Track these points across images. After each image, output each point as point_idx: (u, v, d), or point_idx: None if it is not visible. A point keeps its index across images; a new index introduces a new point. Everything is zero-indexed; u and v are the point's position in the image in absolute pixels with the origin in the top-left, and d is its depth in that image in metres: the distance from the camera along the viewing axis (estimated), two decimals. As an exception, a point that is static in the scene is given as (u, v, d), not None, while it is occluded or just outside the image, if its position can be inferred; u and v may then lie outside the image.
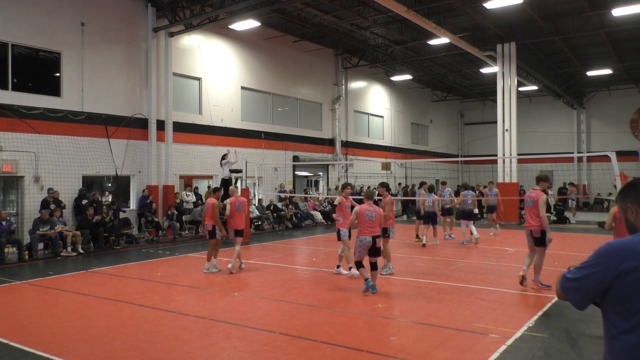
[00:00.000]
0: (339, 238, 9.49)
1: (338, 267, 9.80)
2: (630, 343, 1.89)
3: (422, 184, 14.97)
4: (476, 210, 14.50)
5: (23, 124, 13.27)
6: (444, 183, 15.18)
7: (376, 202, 8.50)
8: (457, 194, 17.61)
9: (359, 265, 8.08)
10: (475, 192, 15.41)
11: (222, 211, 10.21)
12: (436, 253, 12.46)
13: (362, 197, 8.80)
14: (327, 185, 24.71)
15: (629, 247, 1.92)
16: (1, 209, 12.08)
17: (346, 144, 25.48)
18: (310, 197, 22.14)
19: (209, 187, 18.55)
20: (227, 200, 10.07)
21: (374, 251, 8.01)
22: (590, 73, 26.24)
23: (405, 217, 24.19)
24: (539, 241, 8.17)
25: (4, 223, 11.56)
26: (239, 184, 15.94)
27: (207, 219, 10.11)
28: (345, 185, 10.03)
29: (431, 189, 14.03)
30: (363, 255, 8.06)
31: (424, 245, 13.47)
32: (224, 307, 7.26)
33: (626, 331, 1.90)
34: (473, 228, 13.75)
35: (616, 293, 1.92)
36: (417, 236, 14.30)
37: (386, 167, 27.13)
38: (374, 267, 8.10)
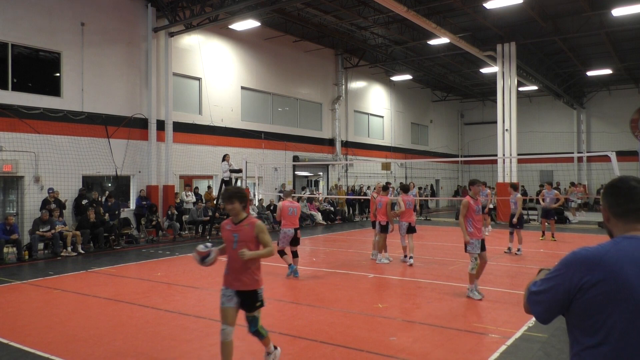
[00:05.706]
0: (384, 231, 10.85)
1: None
2: None
3: (512, 185, 13.61)
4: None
5: (23, 124, 13.27)
6: (483, 183, 14.18)
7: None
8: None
9: (282, 254, 9.19)
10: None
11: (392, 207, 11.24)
12: (436, 253, 12.46)
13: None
14: (328, 185, 24.70)
15: (595, 258, 1.73)
16: (11, 216, 12.10)
17: (346, 144, 25.47)
18: (313, 197, 21.98)
19: (209, 187, 18.58)
20: (400, 197, 10.83)
21: (295, 241, 9.32)
22: (590, 73, 26.22)
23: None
24: None
25: (8, 228, 11.61)
26: (238, 184, 15.93)
27: (379, 215, 10.87)
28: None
29: (515, 188, 13.11)
30: (286, 244, 9.28)
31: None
32: (224, 307, 7.24)
33: (590, 347, 1.72)
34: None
35: (579, 307, 1.73)
36: (553, 235, 14.78)
37: (386, 167, 27.13)
38: (295, 254, 9.41)
